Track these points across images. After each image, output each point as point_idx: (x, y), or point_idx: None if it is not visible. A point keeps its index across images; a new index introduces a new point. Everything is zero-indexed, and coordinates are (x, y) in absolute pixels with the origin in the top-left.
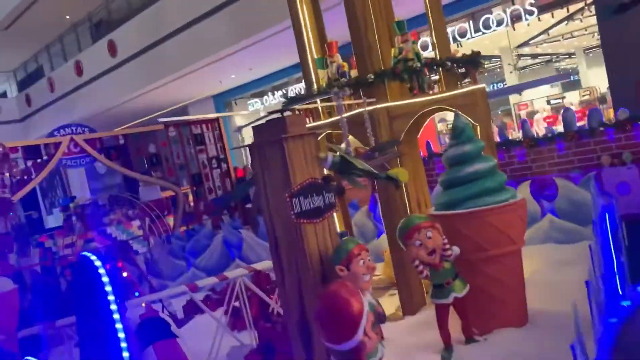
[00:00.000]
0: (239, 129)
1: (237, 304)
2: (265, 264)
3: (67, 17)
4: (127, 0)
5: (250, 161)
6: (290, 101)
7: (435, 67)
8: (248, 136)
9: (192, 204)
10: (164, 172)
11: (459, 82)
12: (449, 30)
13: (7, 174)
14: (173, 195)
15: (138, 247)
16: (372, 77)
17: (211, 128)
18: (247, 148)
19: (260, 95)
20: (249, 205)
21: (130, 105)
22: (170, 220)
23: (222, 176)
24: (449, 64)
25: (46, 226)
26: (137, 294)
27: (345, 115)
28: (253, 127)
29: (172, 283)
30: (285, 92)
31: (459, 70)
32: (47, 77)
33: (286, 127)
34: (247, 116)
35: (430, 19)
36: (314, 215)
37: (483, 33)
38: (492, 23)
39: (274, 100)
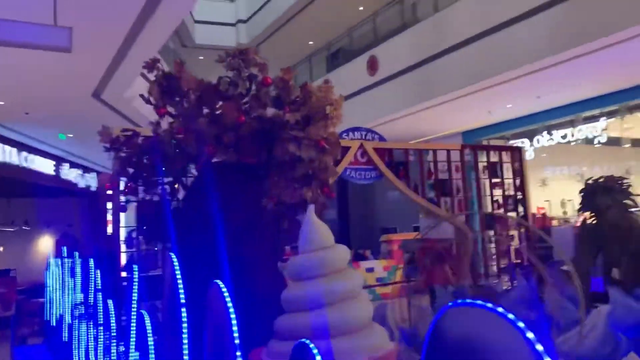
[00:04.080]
0: None
1: None
2: None
3: (311, 42)
4: (400, 13)
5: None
6: None
7: None
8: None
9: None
10: (453, 206)
11: None
12: None
13: None
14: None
15: None
16: None
17: (511, 157)
18: None
19: (528, 134)
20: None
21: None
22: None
23: (517, 222)
24: None
25: None
26: None
27: None
28: None
29: None
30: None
31: None
32: None
33: None
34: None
35: None
36: None
37: None
38: None
39: (550, 141)
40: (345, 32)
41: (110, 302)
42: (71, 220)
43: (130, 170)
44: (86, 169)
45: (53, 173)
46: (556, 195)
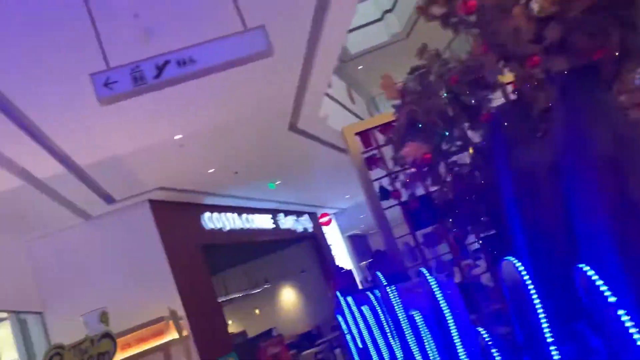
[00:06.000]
0: None
1: None
2: None
3: None
4: None
5: None
6: None
7: None
8: None
9: None
10: None
11: None
12: None
13: None
14: None
15: None
16: None
17: None
18: None
19: None
20: None
21: None
22: None
23: None
24: None
25: None
26: None
27: None
28: None
29: None
30: None
31: None
32: None
33: None
34: None
35: None
36: None
37: None
38: None
39: None
40: None
41: None
42: (304, 266)
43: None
44: (298, 213)
45: (273, 226)
46: None
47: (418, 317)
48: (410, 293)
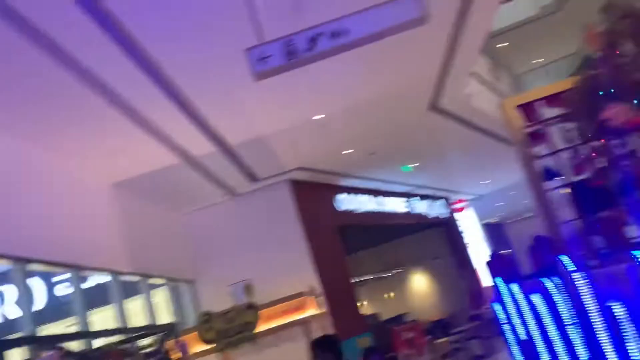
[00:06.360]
0: None
1: None
2: None
3: None
4: None
5: None
6: None
7: None
8: None
9: None
10: None
11: None
12: None
13: None
14: None
15: None
16: None
17: None
18: None
19: None
20: None
21: None
22: None
23: None
24: None
25: None
26: None
27: None
28: None
29: None
30: None
31: None
32: None
33: None
34: None
35: None
36: None
37: None
38: None
39: None
40: None
41: None
42: (437, 252)
43: None
44: (432, 198)
45: (406, 210)
46: None
47: (619, 310)
48: (610, 281)
